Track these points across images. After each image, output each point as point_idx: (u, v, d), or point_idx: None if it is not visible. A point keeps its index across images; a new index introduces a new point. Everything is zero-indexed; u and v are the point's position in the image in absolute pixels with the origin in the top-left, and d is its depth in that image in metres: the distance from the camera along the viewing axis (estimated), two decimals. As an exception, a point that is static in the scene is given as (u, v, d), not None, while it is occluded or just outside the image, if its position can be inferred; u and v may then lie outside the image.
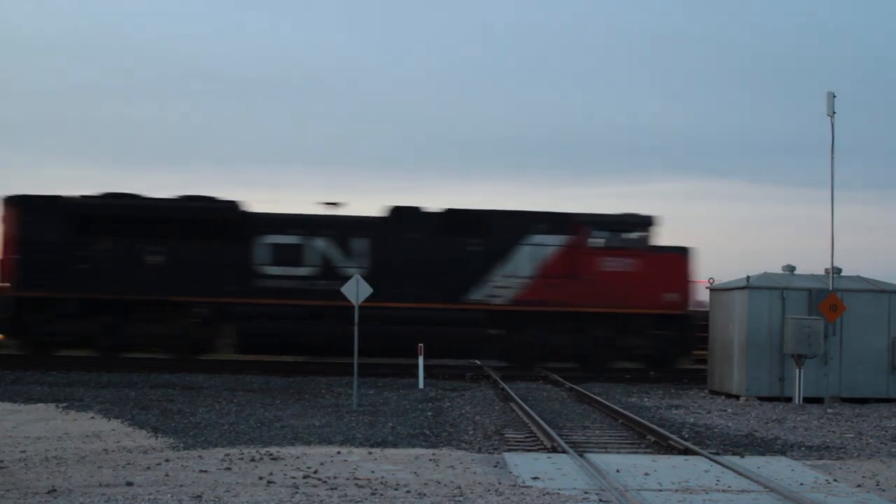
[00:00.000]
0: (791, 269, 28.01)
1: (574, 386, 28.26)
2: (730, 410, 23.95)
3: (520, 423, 20.44)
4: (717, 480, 13.75)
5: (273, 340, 32.14)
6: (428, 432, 18.80)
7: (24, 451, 15.51)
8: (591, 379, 31.34)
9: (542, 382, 30.65)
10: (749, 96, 78.49)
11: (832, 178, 25.57)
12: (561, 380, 30.01)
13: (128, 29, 76.95)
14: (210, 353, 32.95)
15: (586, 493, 12.62)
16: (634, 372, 33.37)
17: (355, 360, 23.67)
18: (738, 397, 26.51)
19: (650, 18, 78.28)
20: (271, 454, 15.30)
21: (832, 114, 25.31)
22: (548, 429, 18.24)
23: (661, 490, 13.00)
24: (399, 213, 32.87)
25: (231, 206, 32.78)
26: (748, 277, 27.26)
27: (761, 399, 26.12)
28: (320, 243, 32.38)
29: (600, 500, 12.21)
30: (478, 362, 35.51)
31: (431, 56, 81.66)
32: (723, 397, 27.10)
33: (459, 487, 12.77)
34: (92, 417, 20.21)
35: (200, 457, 15.11)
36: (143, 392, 25.26)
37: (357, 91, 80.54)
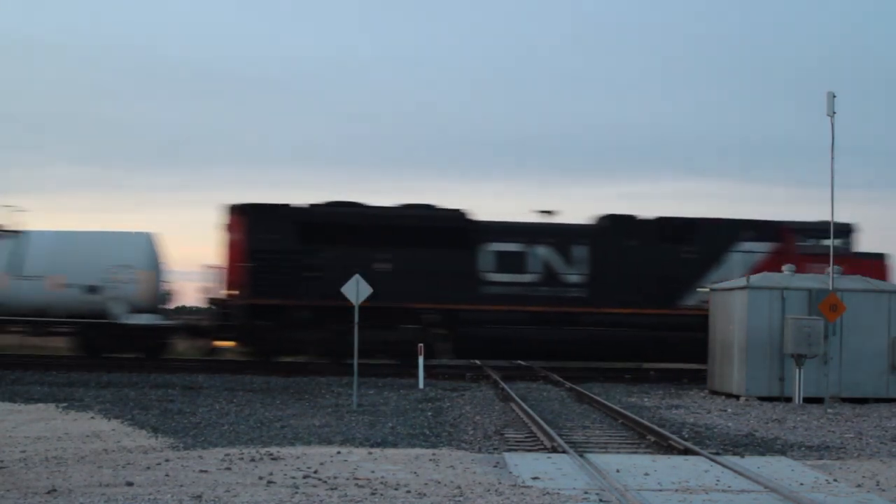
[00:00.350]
0: (791, 268, 28.02)
1: (574, 386, 28.29)
2: (730, 410, 23.95)
3: (520, 423, 20.43)
4: (717, 480, 13.75)
5: (494, 345, 32.58)
6: (428, 432, 18.80)
7: (24, 451, 15.51)
8: (591, 379, 31.43)
9: (542, 382, 30.69)
10: (749, 96, 78.49)
11: (832, 178, 25.61)
12: (561, 380, 30.06)
13: (128, 28, 76.92)
14: (430, 357, 33.14)
15: (586, 493, 12.62)
16: (634, 372, 33.54)
17: (355, 360, 23.69)
18: (738, 397, 26.51)
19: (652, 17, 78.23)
20: (271, 454, 15.30)
21: (832, 114, 25.31)
22: (548, 429, 18.24)
23: (661, 490, 12.99)
24: (615, 221, 33.75)
25: (456, 214, 33.58)
26: (748, 277, 27.26)
27: (761, 399, 26.10)
28: (542, 251, 33.21)
29: (600, 500, 12.20)
30: (478, 362, 35.52)
31: (429, 56, 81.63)
32: (723, 397, 27.10)
33: (459, 487, 12.77)
34: (92, 417, 20.22)
35: (200, 457, 15.10)
36: (143, 392, 25.28)
37: (357, 90, 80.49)
